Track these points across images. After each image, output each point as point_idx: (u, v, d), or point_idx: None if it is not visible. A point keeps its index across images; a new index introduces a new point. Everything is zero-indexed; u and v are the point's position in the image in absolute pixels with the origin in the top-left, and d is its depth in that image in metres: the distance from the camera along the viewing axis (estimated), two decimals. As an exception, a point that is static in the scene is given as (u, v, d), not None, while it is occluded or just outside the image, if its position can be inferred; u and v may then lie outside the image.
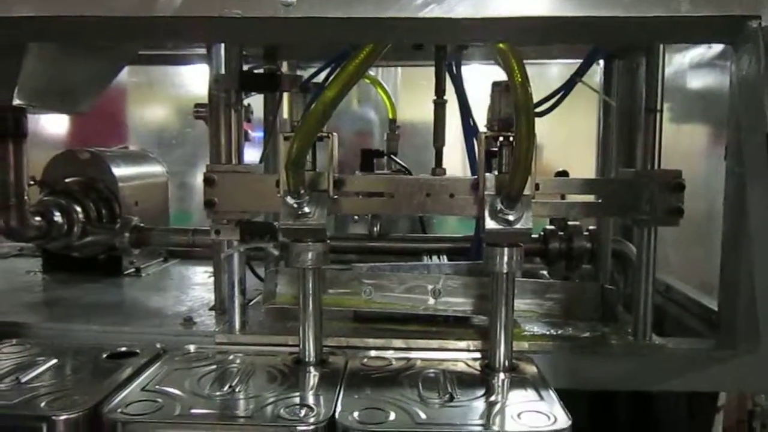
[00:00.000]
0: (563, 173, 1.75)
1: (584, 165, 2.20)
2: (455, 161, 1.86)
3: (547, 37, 0.83)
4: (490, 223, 1.22)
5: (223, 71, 1.40)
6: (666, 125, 1.37)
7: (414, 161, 2.08)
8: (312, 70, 1.49)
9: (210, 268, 1.97)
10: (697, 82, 1.82)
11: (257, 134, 1.89)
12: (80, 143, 2.52)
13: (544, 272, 1.94)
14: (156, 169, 2.39)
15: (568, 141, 2.23)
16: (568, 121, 2.05)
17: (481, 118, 1.73)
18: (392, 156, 2.01)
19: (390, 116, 2.12)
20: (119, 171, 2.13)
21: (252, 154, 1.79)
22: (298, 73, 1.41)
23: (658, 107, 1.34)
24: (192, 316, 1.58)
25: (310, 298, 1.30)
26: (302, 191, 1.20)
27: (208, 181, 1.36)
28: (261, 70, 1.46)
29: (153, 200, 2.29)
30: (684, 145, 1.78)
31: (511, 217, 1.20)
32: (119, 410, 1.06)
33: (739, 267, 1.40)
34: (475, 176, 1.31)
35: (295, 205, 1.21)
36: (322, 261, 1.28)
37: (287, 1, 0.74)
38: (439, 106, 1.59)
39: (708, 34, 0.91)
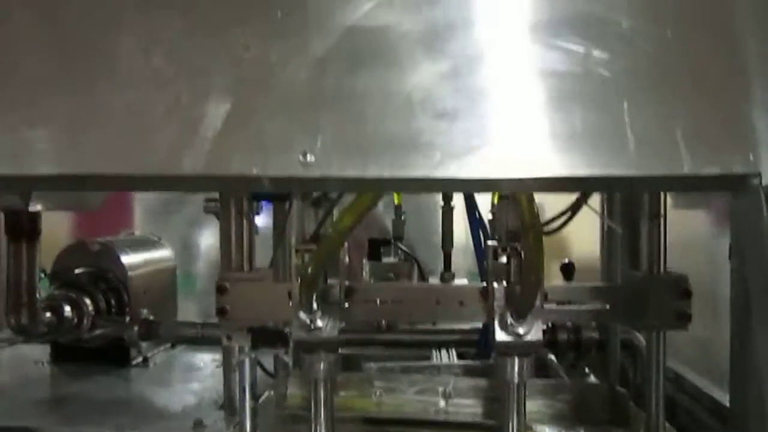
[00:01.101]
0: (569, 266, 1.77)
1: (584, 229, 2.21)
2: (458, 229, 1.88)
3: (557, 188, 0.86)
4: (500, 335, 1.23)
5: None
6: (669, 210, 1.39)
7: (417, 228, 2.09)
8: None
9: (217, 356, 1.98)
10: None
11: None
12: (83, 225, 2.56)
13: (552, 356, 1.94)
14: (163, 254, 2.41)
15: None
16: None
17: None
18: (399, 243, 2.03)
19: (396, 202, 2.15)
20: (128, 259, 2.15)
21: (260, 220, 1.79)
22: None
23: (661, 212, 1.37)
24: (202, 419, 1.57)
25: (321, 407, 1.30)
26: (314, 306, 1.22)
27: (220, 290, 1.37)
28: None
29: (161, 287, 2.30)
30: (688, 229, 1.79)
31: (521, 330, 1.21)
32: None
33: (749, 364, 1.40)
34: (484, 284, 1.32)
35: (308, 321, 1.22)
36: (334, 371, 1.29)
37: (306, 161, 0.77)
38: (447, 212, 1.63)
39: (709, 187, 0.94)
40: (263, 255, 1.58)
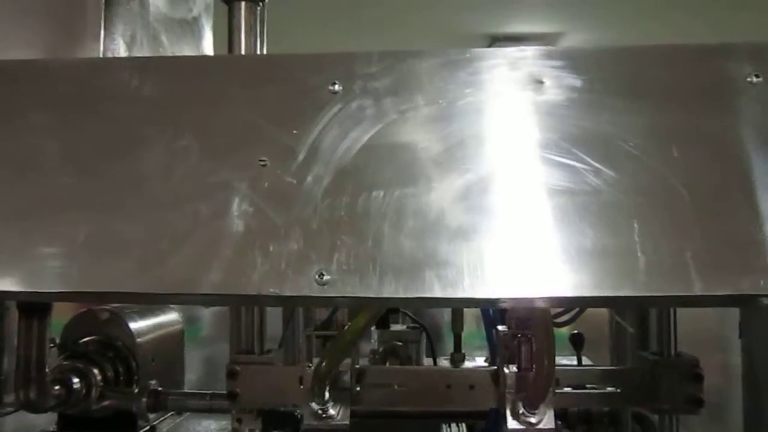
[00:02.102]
0: (578, 337, 1.76)
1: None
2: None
3: (566, 305, 0.88)
4: (512, 423, 1.23)
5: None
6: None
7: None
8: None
9: (225, 423, 1.96)
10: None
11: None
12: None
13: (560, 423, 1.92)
14: (171, 317, 2.41)
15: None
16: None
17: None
18: (407, 313, 2.03)
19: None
20: (136, 326, 2.15)
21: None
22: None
23: (671, 294, 1.37)
24: (211, 500, 1.56)
25: (332, 493, 1.30)
26: (326, 395, 1.23)
27: (230, 374, 1.38)
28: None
29: (169, 352, 2.29)
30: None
31: (533, 420, 1.21)
32: None
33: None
34: (495, 368, 1.33)
35: (320, 411, 1.23)
36: (344, 457, 1.29)
37: (323, 280, 0.78)
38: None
39: (720, 304, 0.95)
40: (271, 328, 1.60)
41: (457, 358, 1.57)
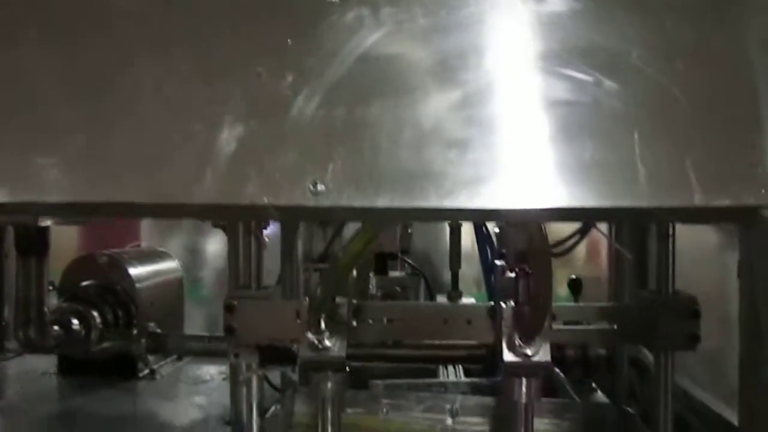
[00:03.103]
0: (576, 282, 1.76)
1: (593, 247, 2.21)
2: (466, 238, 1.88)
3: (565, 219, 0.86)
4: (508, 356, 1.23)
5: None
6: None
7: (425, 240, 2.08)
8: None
9: (224, 368, 1.98)
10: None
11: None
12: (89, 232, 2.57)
13: (559, 371, 1.93)
14: (170, 265, 2.43)
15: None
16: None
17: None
18: (405, 258, 2.03)
19: (402, 215, 2.15)
20: (136, 272, 2.16)
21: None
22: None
23: (670, 232, 1.36)
24: (209, 435, 1.58)
25: (328, 425, 1.30)
26: (322, 327, 1.22)
27: (228, 308, 1.38)
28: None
29: (168, 298, 2.31)
30: (697, 242, 1.79)
31: (529, 351, 1.21)
32: None
33: (758, 386, 1.39)
34: (491, 303, 1.32)
35: (316, 341, 1.22)
36: (341, 390, 1.29)
37: (317, 190, 0.77)
38: (455, 229, 1.62)
39: (720, 219, 0.94)
40: (271, 263, 1.59)
41: (455, 295, 1.57)
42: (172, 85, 0.84)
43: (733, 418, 1.54)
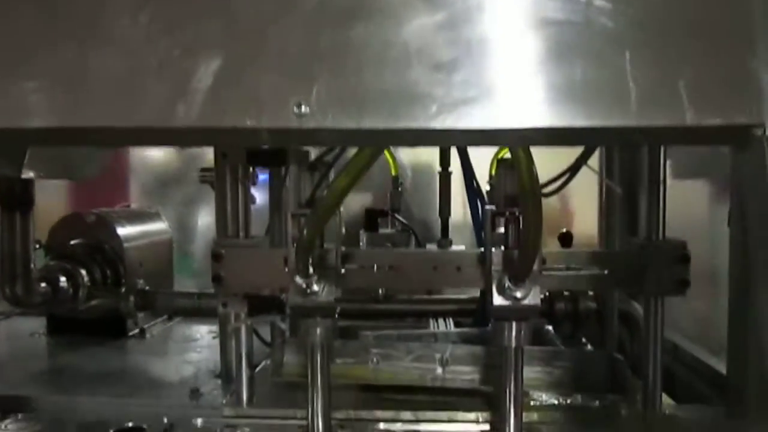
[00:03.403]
0: (567, 235, 1.76)
1: (584, 206, 2.20)
2: (455, 205, 1.88)
3: (555, 141, 0.85)
4: (497, 300, 1.22)
5: (229, 147, 1.42)
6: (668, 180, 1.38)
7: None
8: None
9: (215, 327, 1.97)
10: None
11: (262, 176, 1.89)
12: (77, 199, 2.54)
13: (549, 327, 1.94)
14: (159, 226, 2.40)
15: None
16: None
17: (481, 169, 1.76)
18: (396, 215, 2.02)
19: (393, 173, 2.13)
20: (124, 231, 2.14)
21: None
22: (305, 148, 1.43)
23: (661, 178, 1.35)
24: (198, 387, 1.57)
25: (318, 373, 1.30)
26: (311, 270, 1.21)
27: (215, 257, 1.36)
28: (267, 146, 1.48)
29: (157, 259, 2.29)
30: (686, 200, 1.79)
31: (518, 294, 1.20)
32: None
33: (747, 333, 1.40)
34: (482, 249, 1.31)
35: (304, 285, 1.21)
36: (330, 336, 1.28)
37: (301, 112, 0.75)
38: (445, 177, 1.61)
39: (711, 139, 0.92)
40: (259, 229, 1.58)
41: (444, 243, 1.56)
42: (151, 8, 0.82)
43: (722, 368, 1.55)
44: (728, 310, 1.47)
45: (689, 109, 0.74)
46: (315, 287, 1.24)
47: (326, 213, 1.05)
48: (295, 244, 1.21)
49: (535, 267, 1.20)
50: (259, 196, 1.71)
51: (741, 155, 0.79)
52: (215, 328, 1.97)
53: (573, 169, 1.18)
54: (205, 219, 2.79)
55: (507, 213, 1.27)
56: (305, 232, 1.10)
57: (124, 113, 0.79)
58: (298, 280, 1.21)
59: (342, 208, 1.28)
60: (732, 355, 1.45)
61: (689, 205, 1.82)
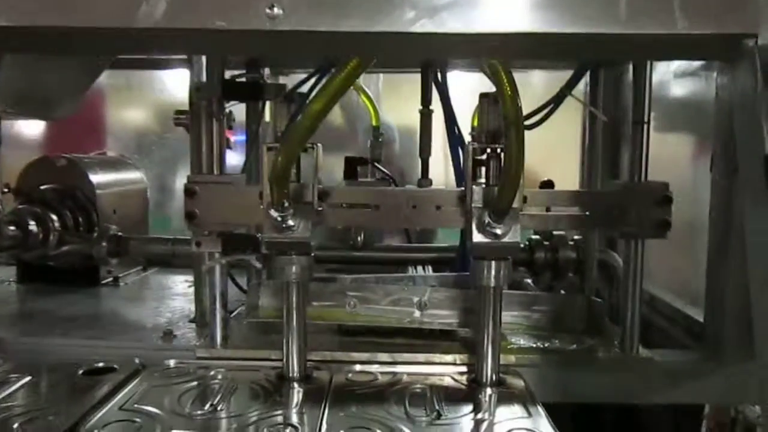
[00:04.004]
0: (548, 183, 1.73)
1: (567, 171, 2.20)
2: (438, 171, 1.84)
3: (539, 52, 0.82)
4: (477, 237, 1.20)
5: (204, 79, 1.37)
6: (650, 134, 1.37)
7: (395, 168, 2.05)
8: (296, 77, 1.46)
9: (190, 277, 1.93)
10: (681, 91, 1.82)
11: (239, 138, 1.85)
12: (56, 149, 2.46)
13: (528, 281, 1.93)
14: (135, 175, 2.34)
15: (550, 146, 2.22)
16: (550, 125, 2.06)
17: (465, 125, 1.74)
18: (376, 164, 1.98)
19: (373, 123, 2.09)
20: (97, 178, 2.08)
21: (234, 158, 1.76)
22: (282, 81, 1.38)
23: (645, 119, 1.33)
24: (172, 329, 1.54)
25: (294, 312, 1.27)
26: (286, 204, 1.18)
27: (188, 192, 1.32)
28: (243, 79, 1.43)
29: (132, 208, 2.24)
30: (668, 154, 1.77)
31: (498, 231, 1.18)
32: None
33: (725, 278, 1.40)
34: (462, 188, 1.29)
35: (279, 219, 1.18)
36: (306, 274, 1.26)
37: (274, 13, 0.71)
38: (426, 116, 1.57)
39: (702, 52, 0.90)
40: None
41: (425, 183, 1.53)
42: None
43: (698, 315, 1.56)
44: (707, 256, 1.47)
45: (680, 18, 0.71)
46: (290, 222, 1.20)
47: (301, 137, 1.02)
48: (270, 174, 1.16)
49: (516, 204, 1.18)
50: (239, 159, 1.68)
51: (730, 73, 0.77)
52: (192, 278, 1.93)
53: (557, 99, 1.15)
54: (183, 182, 2.73)
55: (488, 149, 1.24)
56: (279, 159, 1.06)
57: (89, 13, 0.75)
58: (273, 213, 1.18)
59: (320, 145, 1.25)
60: (710, 299, 1.45)
61: (670, 159, 1.81)
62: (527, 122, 1.18)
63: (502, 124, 1.08)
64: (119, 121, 2.67)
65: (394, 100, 2.39)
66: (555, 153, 2.29)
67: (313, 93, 1.06)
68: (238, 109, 1.68)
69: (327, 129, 1.23)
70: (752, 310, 0.84)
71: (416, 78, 1.66)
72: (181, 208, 2.42)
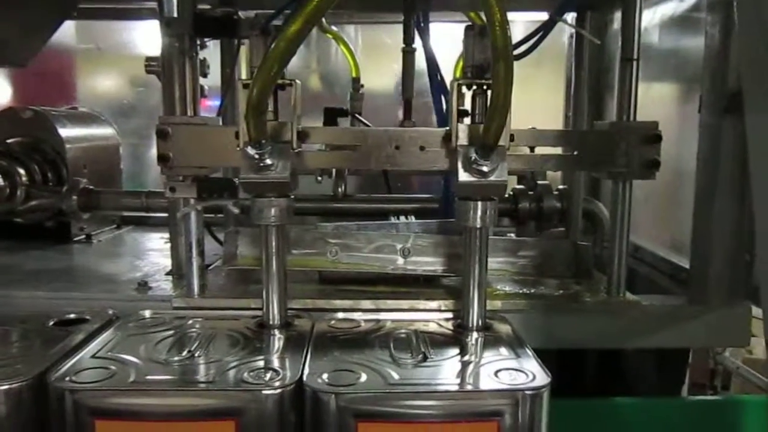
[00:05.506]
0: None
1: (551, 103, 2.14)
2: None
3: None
4: (463, 175, 1.16)
5: (175, 15, 1.30)
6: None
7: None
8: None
9: (166, 235, 1.87)
10: (667, 37, 1.79)
11: (214, 103, 1.78)
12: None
13: (512, 235, 1.90)
14: (106, 131, 2.26)
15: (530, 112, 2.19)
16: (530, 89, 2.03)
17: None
18: (356, 115, 1.93)
19: (353, 75, 2.03)
20: (66, 132, 2.00)
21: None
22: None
23: (635, 56, 1.29)
24: (147, 281, 1.49)
25: (273, 257, 1.22)
26: (264, 142, 1.12)
27: (161, 134, 1.26)
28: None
29: (103, 164, 2.16)
30: (654, 102, 1.74)
31: (485, 168, 1.14)
32: (67, 378, 0.98)
33: (712, 222, 1.38)
34: (447, 128, 1.24)
35: (257, 157, 1.12)
36: (285, 217, 1.20)
37: None
38: (408, 54, 1.51)
39: None
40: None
41: (408, 125, 1.48)
42: None
43: (683, 262, 1.54)
44: (695, 199, 1.45)
45: None
46: (268, 161, 1.15)
47: (277, 61, 0.95)
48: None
49: (503, 141, 1.14)
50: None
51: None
52: (168, 235, 1.87)
53: (546, 26, 1.10)
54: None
55: (475, 84, 1.19)
56: (255, 90, 1.00)
57: None
58: (250, 150, 1.12)
59: (299, 82, 1.19)
60: (696, 244, 1.43)
61: (655, 103, 1.78)
62: (516, 52, 1.13)
63: (490, 56, 1.03)
64: (91, 88, 2.53)
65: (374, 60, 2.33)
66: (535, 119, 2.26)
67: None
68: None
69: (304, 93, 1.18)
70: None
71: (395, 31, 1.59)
72: (156, 179, 2.35)
